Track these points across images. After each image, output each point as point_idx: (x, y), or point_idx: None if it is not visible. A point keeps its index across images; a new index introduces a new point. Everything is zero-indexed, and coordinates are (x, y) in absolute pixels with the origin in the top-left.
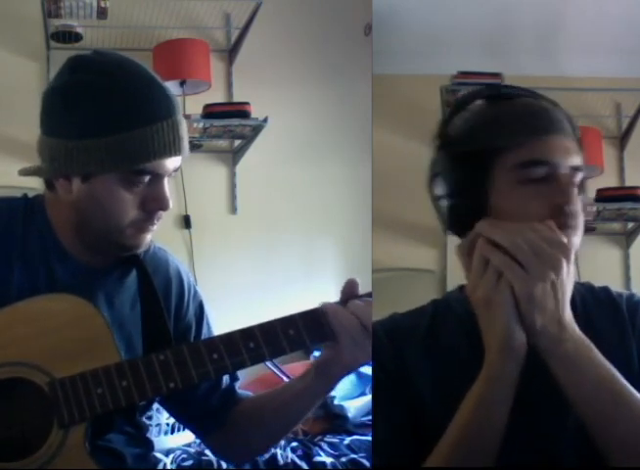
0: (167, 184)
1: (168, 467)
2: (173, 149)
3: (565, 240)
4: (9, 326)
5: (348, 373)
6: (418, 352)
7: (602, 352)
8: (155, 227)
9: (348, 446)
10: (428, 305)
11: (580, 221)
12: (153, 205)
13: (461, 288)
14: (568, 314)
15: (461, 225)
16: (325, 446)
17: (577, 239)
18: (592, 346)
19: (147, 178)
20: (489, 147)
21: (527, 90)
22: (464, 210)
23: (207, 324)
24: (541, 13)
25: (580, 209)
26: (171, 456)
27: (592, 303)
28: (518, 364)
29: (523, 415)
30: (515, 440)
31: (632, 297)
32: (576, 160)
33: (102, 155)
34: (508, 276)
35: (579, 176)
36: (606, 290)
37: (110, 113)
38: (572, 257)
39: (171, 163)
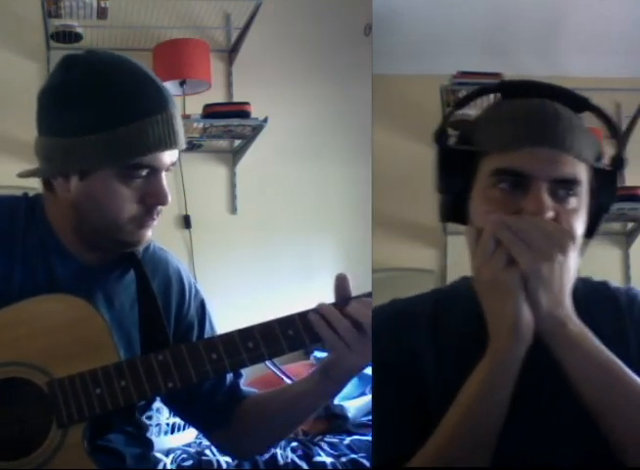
0: (165, 179)
1: (168, 467)
2: (169, 142)
3: (572, 230)
4: (8, 326)
5: (352, 376)
6: (422, 338)
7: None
8: (155, 222)
9: (348, 446)
10: (428, 293)
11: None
12: (151, 199)
13: (464, 279)
14: (570, 300)
15: (454, 219)
16: (325, 446)
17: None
18: (592, 334)
19: (144, 172)
20: (475, 150)
21: (548, 88)
22: (452, 207)
23: (210, 322)
24: (541, 13)
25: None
26: (171, 456)
27: (591, 296)
28: (524, 348)
29: (522, 402)
30: (513, 426)
31: (630, 289)
32: (563, 172)
33: (98, 150)
34: (515, 254)
35: (566, 189)
36: (604, 284)
37: (104, 109)
38: (578, 246)
39: (168, 156)
